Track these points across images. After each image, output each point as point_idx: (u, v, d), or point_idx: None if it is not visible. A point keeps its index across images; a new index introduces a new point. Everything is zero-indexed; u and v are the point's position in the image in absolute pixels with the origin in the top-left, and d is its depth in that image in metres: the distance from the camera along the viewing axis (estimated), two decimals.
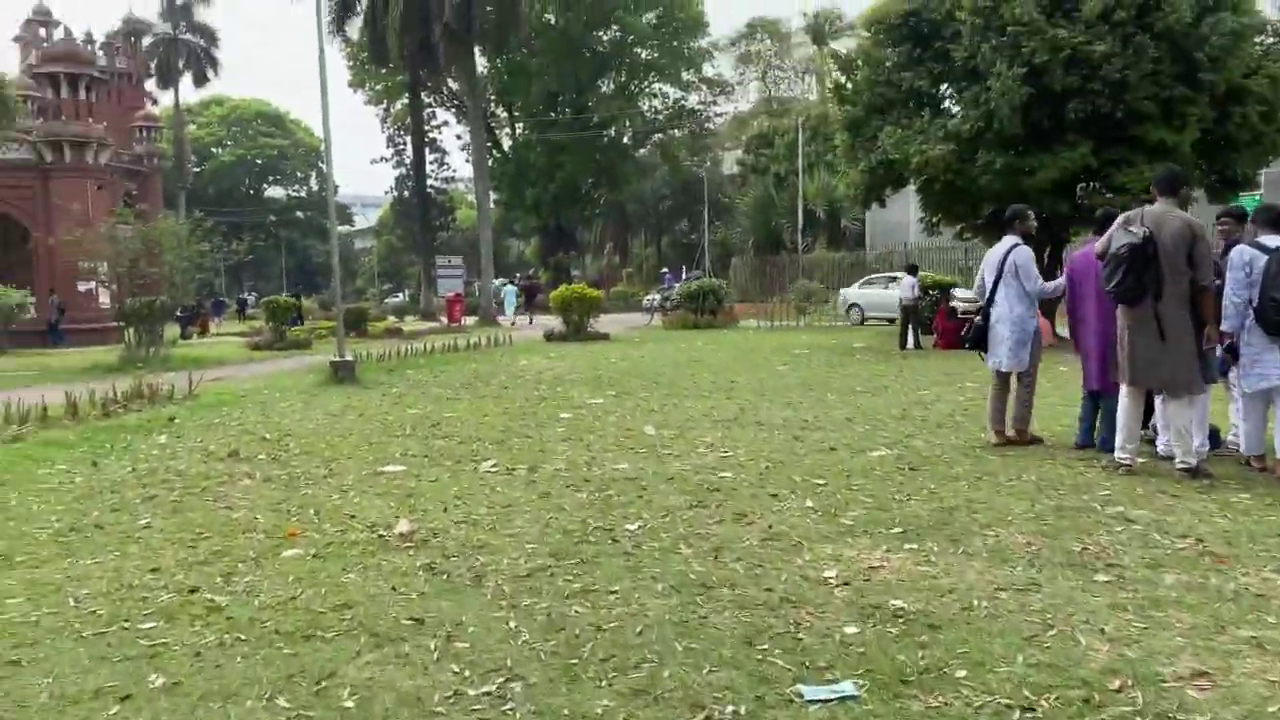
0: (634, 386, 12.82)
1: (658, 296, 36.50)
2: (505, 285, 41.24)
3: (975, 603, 4.09)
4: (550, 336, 23.59)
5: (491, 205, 41.82)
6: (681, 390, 12.22)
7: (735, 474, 6.80)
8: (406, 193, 64.27)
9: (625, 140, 57.56)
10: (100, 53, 56.94)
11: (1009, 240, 7.78)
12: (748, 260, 41.32)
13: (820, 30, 61.95)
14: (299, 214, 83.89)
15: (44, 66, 31.81)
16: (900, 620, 3.91)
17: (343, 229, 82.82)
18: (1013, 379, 7.86)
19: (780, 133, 46.67)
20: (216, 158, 77.50)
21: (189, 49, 61.95)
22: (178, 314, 36.00)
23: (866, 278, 29.71)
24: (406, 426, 9.67)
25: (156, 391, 11.93)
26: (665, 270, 40.34)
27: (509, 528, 5.48)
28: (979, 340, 7.90)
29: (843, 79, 19.93)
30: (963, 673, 3.38)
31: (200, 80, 63.45)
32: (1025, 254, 7.64)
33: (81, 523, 5.84)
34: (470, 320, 34.75)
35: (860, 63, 19.25)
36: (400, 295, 77.71)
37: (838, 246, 40.24)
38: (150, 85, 62.13)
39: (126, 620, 4.07)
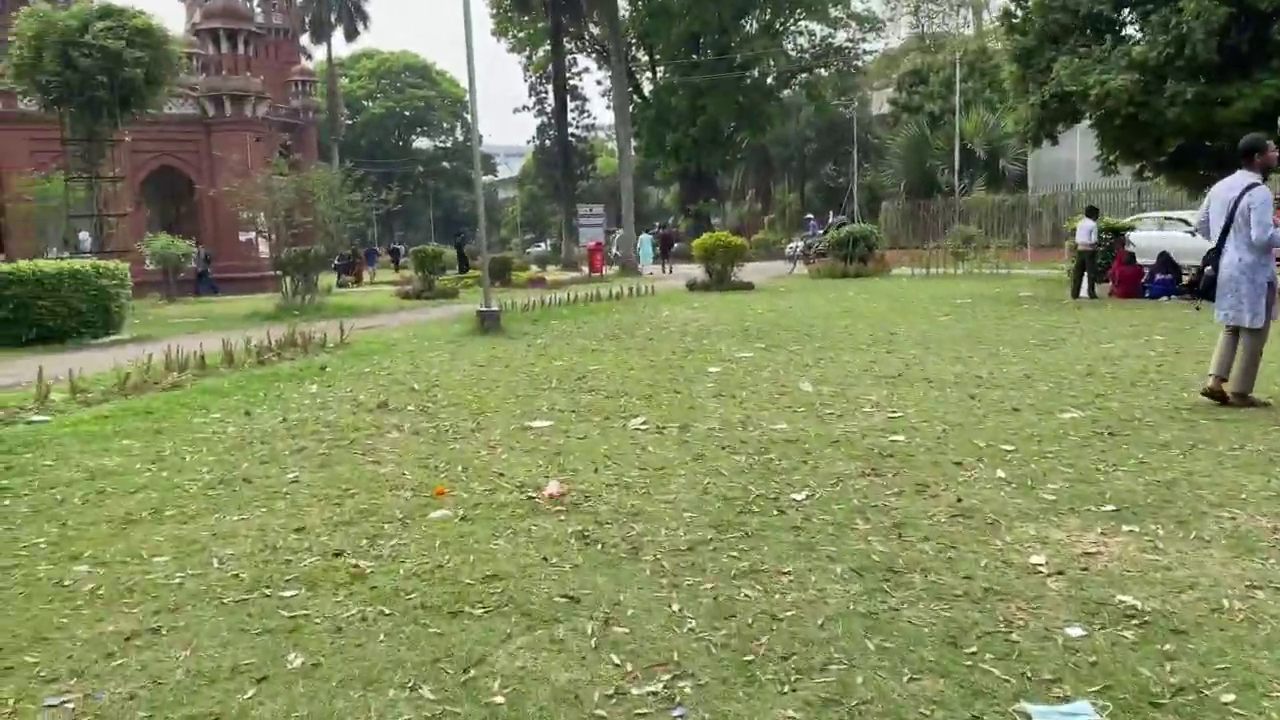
0: (784, 339, 12.22)
1: (801, 244, 35.41)
2: (641, 234, 40.82)
3: (1226, 603, 3.42)
4: (693, 286, 23.10)
5: (632, 152, 41.33)
6: (837, 343, 11.55)
7: (909, 438, 6.19)
8: (548, 141, 64.57)
9: (769, 81, 55.97)
10: (258, 9, 59.09)
11: (1244, 177, 6.73)
12: (899, 204, 39.63)
13: None
14: (445, 164, 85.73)
15: (205, 23, 33.02)
16: (1134, 622, 3.29)
17: (486, 179, 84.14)
18: (1241, 334, 6.90)
19: (935, 69, 44.32)
20: (367, 110, 79.65)
21: (340, 3, 63.51)
22: (335, 263, 37.28)
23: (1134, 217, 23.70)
24: (552, 379, 9.39)
25: (310, 340, 12.08)
26: (809, 216, 39.08)
27: (664, 492, 5.07)
28: (1209, 291, 6.94)
29: (1012, 6, 18.43)
30: (1229, 696, 2.77)
31: (351, 34, 65.16)
32: (1262, 195, 6.59)
33: (231, 475, 5.75)
34: (611, 269, 34.58)
35: None
36: (542, 244, 78.66)
37: (997, 188, 38.06)
38: (304, 41, 64.28)
39: (268, 586, 3.85)
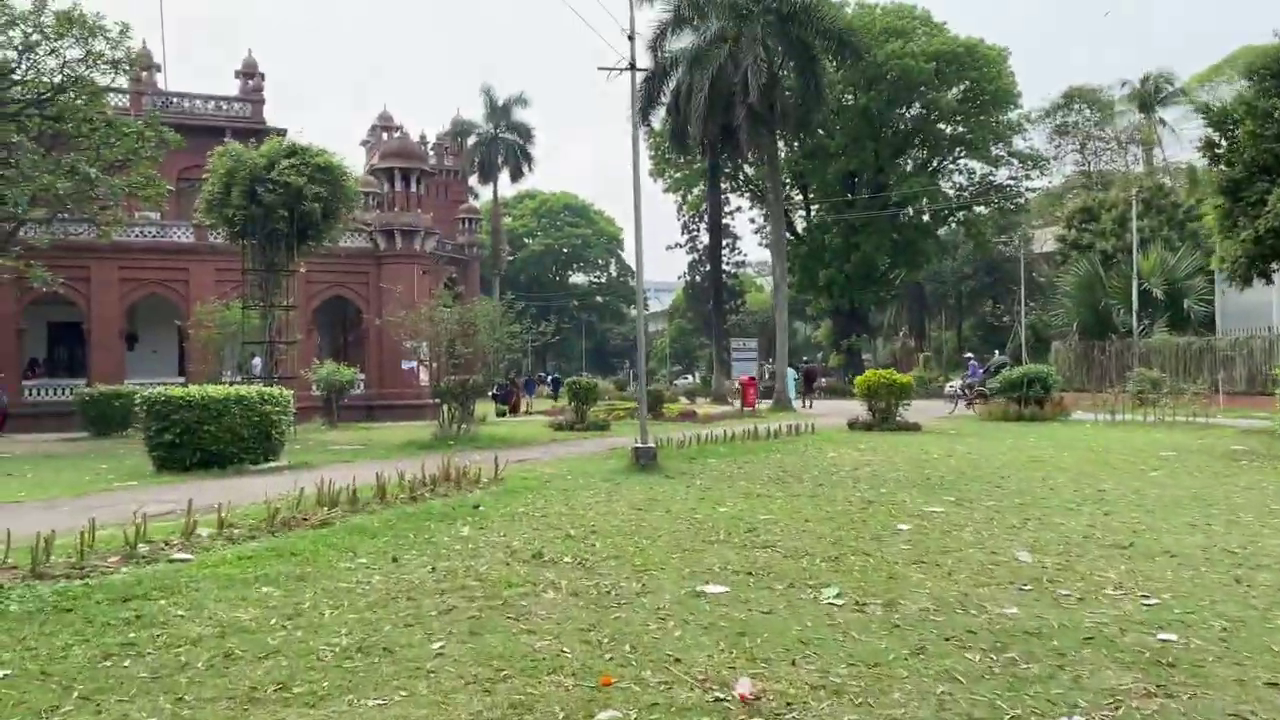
0: (975, 492, 10.95)
1: (960, 383, 33.68)
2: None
3: None
4: (854, 425, 21.88)
5: (786, 288, 40.72)
6: (1039, 499, 10.21)
7: (1183, 637, 4.96)
8: (698, 277, 65.42)
9: (926, 218, 55.12)
10: (432, 153, 63.03)
11: None
12: (1071, 344, 37.40)
13: (1148, 97, 56.80)
14: (599, 298, 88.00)
15: (381, 163, 34.87)
16: None
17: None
18: None
19: (1107, 206, 42.48)
20: (527, 246, 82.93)
21: (507, 147, 66.86)
22: (493, 392, 37.65)
23: None
24: (719, 529, 8.47)
25: (464, 474, 11.59)
26: (969, 355, 37.23)
27: (886, 704, 4.04)
28: None
29: (1215, 136, 17.07)
30: None
31: (516, 175, 68.19)
32: None
33: (370, 640, 5.04)
34: (764, 405, 33.65)
35: (1240, 116, 16.35)
36: (689, 377, 78.72)
37: (1180, 330, 35.51)
38: (473, 181, 67.83)
39: None
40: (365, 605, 5.82)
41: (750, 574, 6.63)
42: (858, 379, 23.04)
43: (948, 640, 4.93)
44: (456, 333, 20.20)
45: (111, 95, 27.53)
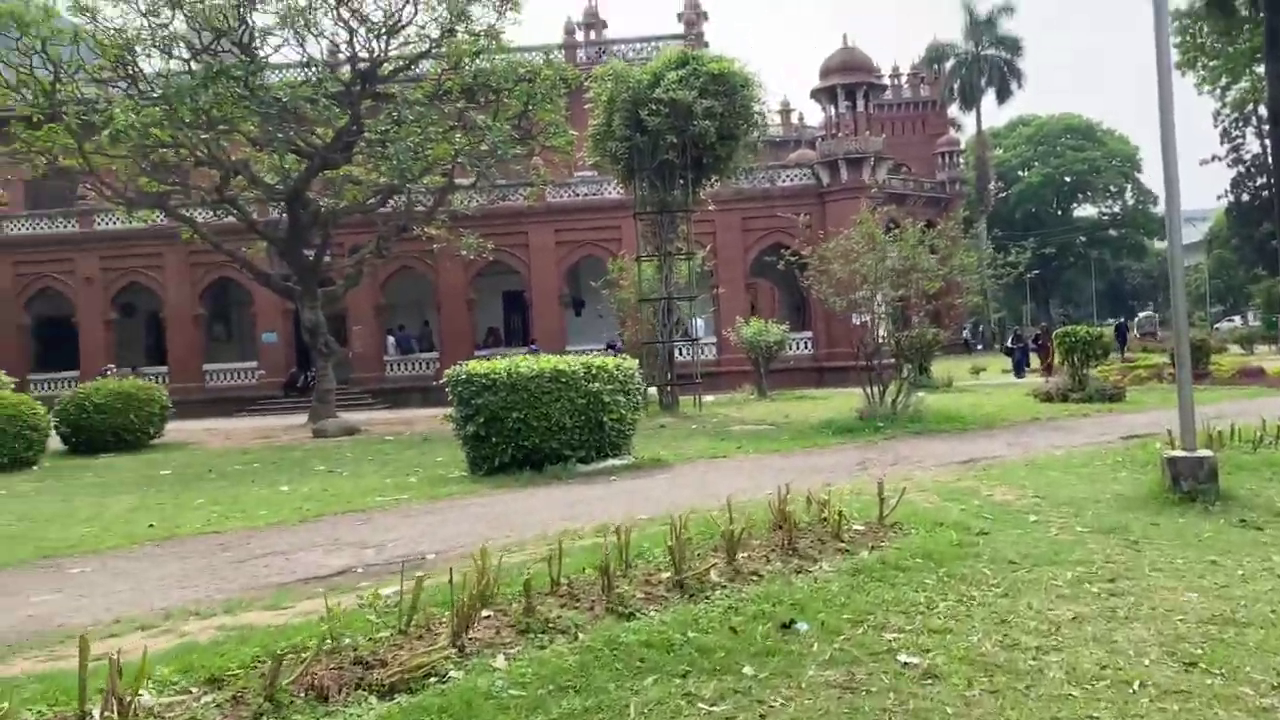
0: None
1: None
2: None
3: None
4: None
5: None
6: None
7: None
8: (1245, 195, 51.91)
9: None
10: (905, 85, 56.81)
11: None
12: None
13: None
14: (1110, 232, 74.76)
15: (822, 82, 29.45)
16: None
17: (1160, 245, 70.76)
18: None
19: None
20: (1022, 180, 72.47)
21: (991, 65, 58.01)
22: (1006, 345, 30.23)
23: None
24: None
25: (818, 515, 6.30)
26: None
27: None
28: None
29: None
30: None
31: (1003, 96, 59.01)
32: None
33: None
34: None
35: None
36: (1235, 319, 63.78)
37: None
38: (953, 111, 60.15)
39: None
40: None
41: None
42: None
43: None
44: (888, 272, 14.68)
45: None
